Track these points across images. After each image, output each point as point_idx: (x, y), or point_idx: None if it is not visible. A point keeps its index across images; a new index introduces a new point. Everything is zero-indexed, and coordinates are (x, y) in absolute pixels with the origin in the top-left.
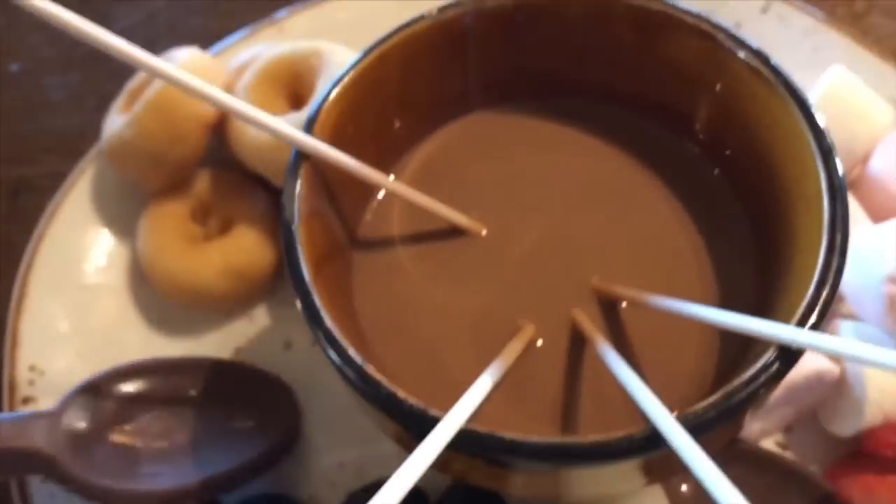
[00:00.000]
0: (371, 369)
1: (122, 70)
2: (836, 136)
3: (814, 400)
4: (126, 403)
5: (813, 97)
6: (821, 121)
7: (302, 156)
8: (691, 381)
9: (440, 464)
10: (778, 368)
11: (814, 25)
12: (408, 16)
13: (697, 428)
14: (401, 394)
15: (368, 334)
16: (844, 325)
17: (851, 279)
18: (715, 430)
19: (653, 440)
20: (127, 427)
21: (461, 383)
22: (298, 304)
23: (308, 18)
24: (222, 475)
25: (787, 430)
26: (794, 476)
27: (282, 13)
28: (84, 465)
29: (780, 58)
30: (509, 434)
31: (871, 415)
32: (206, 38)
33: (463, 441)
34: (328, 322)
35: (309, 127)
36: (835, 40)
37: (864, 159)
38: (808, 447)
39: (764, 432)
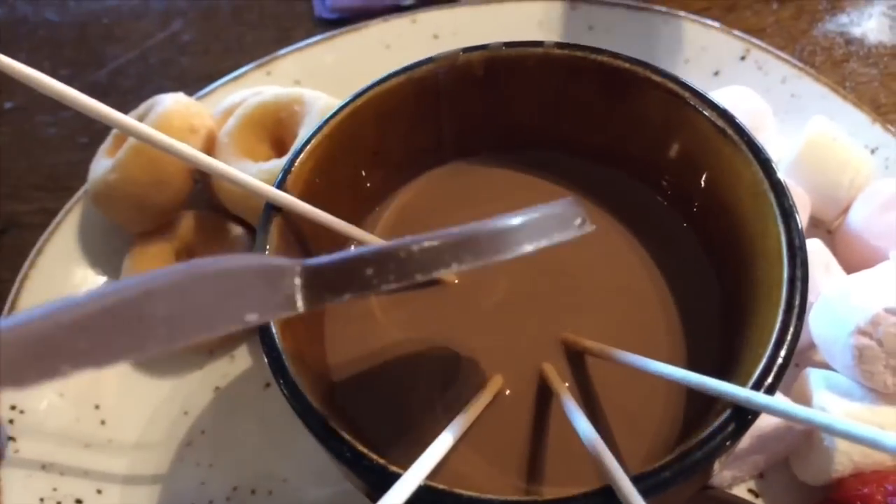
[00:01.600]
0: (334, 425)
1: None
2: (819, 186)
3: (784, 448)
4: None
5: (795, 147)
6: (783, 181)
7: (273, 209)
8: (657, 436)
9: None
10: (735, 427)
11: (791, 73)
12: (392, 60)
13: (654, 487)
14: (362, 450)
15: (337, 383)
16: (816, 375)
17: (822, 330)
18: (672, 488)
19: (609, 499)
20: None
21: (428, 434)
22: (264, 356)
23: (295, 61)
24: None
25: (760, 477)
26: None
27: (269, 56)
28: None
29: (758, 104)
30: (467, 492)
31: (841, 464)
32: (197, 78)
33: (422, 498)
34: (292, 374)
35: (281, 181)
36: (812, 88)
37: (847, 208)
38: (781, 494)
39: (736, 479)
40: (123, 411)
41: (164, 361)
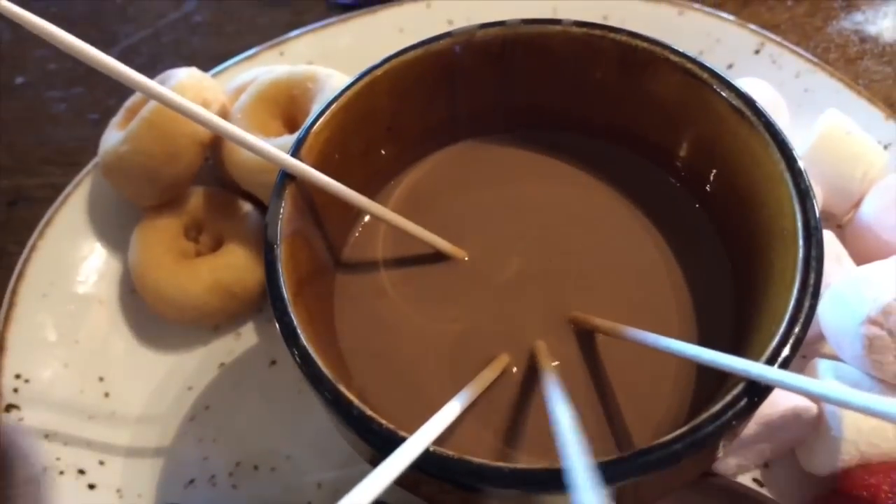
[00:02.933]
0: (343, 388)
1: (123, 86)
2: (831, 178)
3: (791, 437)
4: None
5: (808, 139)
6: (800, 163)
7: (287, 178)
8: (667, 414)
9: (411, 486)
10: (747, 403)
11: (805, 68)
12: (404, 43)
13: (665, 460)
14: (370, 413)
15: (347, 354)
16: (824, 365)
17: (831, 319)
18: (683, 460)
19: (614, 470)
20: None
21: (435, 407)
22: (276, 322)
23: (308, 43)
24: None
25: (766, 466)
26: None
27: (283, 37)
28: None
29: (773, 96)
30: (478, 459)
31: (848, 455)
32: (209, 58)
33: (432, 464)
34: (303, 339)
35: (296, 150)
36: (826, 83)
37: (858, 202)
38: (786, 484)
39: (741, 468)
40: (127, 384)
41: (169, 337)
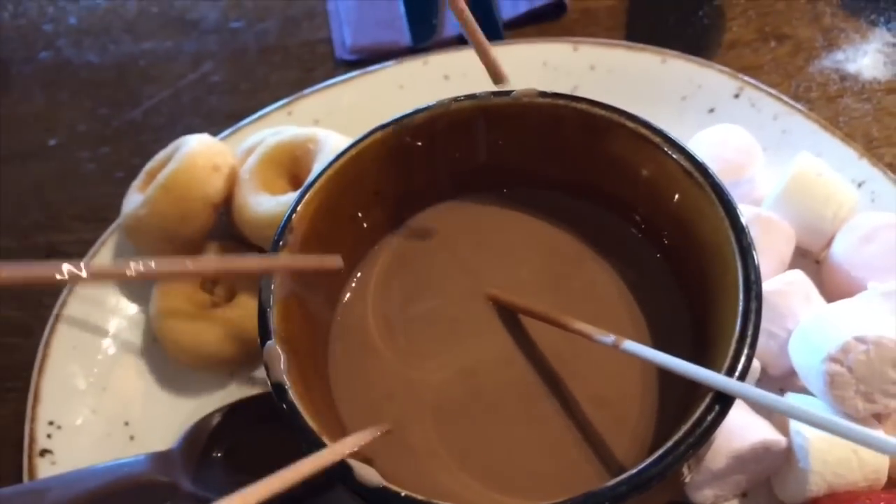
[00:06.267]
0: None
1: (146, 145)
2: (805, 218)
3: (764, 469)
4: (224, 435)
5: (781, 182)
6: (742, 220)
7: (280, 245)
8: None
9: None
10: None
11: (783, 110)
12: (405, 100)
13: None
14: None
15: (340, 405)
16: (794, 399)
17: (798, 357)
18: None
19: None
20: (227, 453)
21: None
22: (267, 380)
23: (314, 103)
24: (302, 489)
25: (744, 496)
26: None
27: (289, 98)
28: (199, 486)
29: (747, 140)
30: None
31: (816, 485)
32: (225, 116)
33: None
34: (291, 395)
35: (288, 219)
36: (802, 124)
37: (831, 240)
38: None
39: (718, 498)
40: (151, 427)
41: (188, 382)
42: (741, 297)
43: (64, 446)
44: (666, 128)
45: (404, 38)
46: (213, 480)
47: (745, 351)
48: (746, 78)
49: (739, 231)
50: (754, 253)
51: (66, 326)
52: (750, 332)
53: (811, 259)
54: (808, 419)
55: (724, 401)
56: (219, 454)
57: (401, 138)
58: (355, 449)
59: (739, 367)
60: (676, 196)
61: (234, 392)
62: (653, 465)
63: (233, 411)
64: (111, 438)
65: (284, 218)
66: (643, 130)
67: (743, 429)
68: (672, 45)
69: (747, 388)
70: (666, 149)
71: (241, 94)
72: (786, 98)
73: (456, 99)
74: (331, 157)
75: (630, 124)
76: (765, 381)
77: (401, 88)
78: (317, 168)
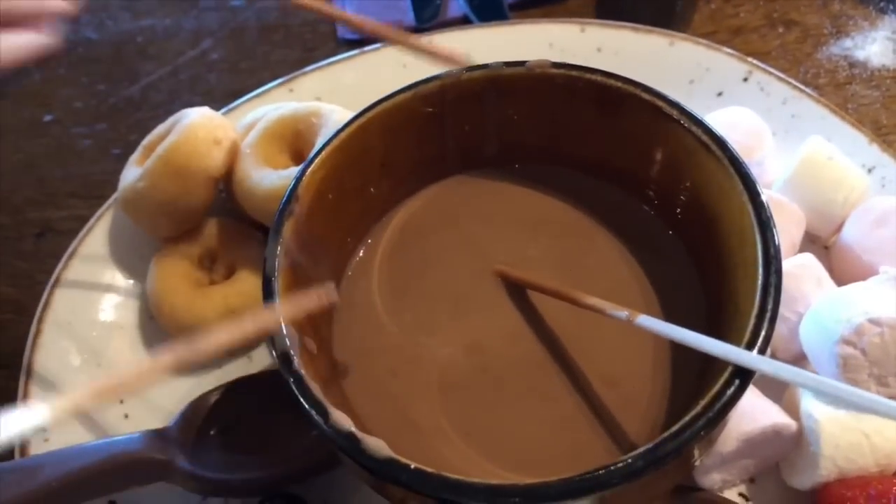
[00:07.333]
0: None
1: (144, 122)
2: (814, 203)
3: (773, 453)
4: (222, 414)
5: (791, 165)
6: (763, 195)
7: (285, 214)
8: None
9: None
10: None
11: (792, 94)
12: (408, 79)
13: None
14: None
15: (343, 378)
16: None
17: (810, 340)
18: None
19: (585, 484)
20: (223, 432)
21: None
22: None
23: (316, 79)
24: (299, 469)
25: (751, 481)
26: None
27: (292, 74)
28: (195, 465)
29: (756, 123)
30: (455, 476)
31: (826, 470)
32: (224, 94)
33: (413, 479)
34: (296, 365)
35: (293, 189)
36: (812, 108)
37: (841, 225)
38: (771, 499)
39: (726, 483)
40: (146, 406)
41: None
42: (760, 271)
43: (59, 425)
44: None
45: (408, 18)
46: (209, 459)
47: (766, 325)
48: (755, 61)
49: (759, 205)
50: (774, 227)
51: (61, 302)
52: (770, 307)
53: (820, 245)
54: (830, 390)
55: (743, 375)
56: (215, 433)
57: (409, 109)
58: (297, 311)
59: (759, 341)
60: (692, 170)
61: (231, 371)
62: (670, 440)
63: (230, 390)
64: (105, 416)
65: (290, 186)
66: (659, 103)
67: (754, 412)
68: (678, 30)
69: (768, 361)
70: (683, 122)
71: (241, 72)
72: (795, 82)
73: (468, 68)
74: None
75: (646, 96)
76: None
77: (404, 67)
78: (321, 139)
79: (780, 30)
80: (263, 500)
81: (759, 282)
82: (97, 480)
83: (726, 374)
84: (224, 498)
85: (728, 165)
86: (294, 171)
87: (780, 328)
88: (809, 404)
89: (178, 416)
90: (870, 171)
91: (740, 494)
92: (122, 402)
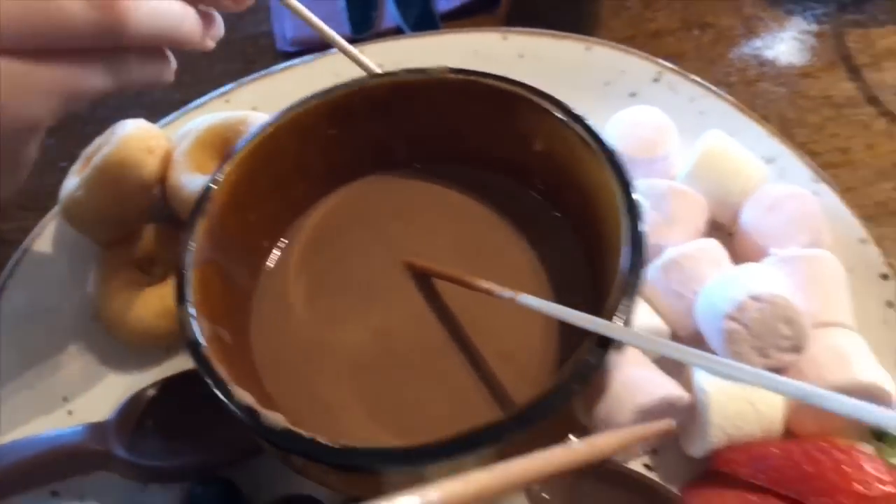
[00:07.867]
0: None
1: (91, 137)
2: (715, 192)
3: None
4: (159, 407)
5: (693, 158)
6: (629, 179)
7: (199, 213)
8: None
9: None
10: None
11: (699, 93)
12: None
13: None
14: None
15: (260, 366)
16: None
17: (703, 317)
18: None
19: (459, 444)
20: (160, 423)
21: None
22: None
23: (252, 91)
24: (229, 454)
25: (654, 453)
26: (655, 494)
27: (227, 87)
28: (133, 454)
29: (662, 120)
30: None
31: (716, 437)
32: (168, 106)
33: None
34: (204, 350)
35: (208, 189)
36: (717, 105)
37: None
38: (672, 468)
39: (629, 454)
40: (89, 402)
41: (126, 358)
42: (624, 251)
43: (2, 422)
44: (589, 111)
45: (344, 30)
46: (145, 448)
47: (626, 297)
48: (666, 63)
49: (626, 189)
50: (640, 213)
51: (6, 305)
52: (632, 286)
53: (725, 231)
54: (688, 357)
55: (605, 343)
56: (152, 424)
57: (319, 115)
58: None
59: (619, 310)
60: (574, 162)
61: (167, 368)
62: (536, 404)
63: (167, 386)
64: (50, 414)
65: (203, 188)
66: (546, 104)
67: (648, 385)
68: (600, 35)
69: (626, 330)
70: (561, 116)
71: (185, 85)
72: (702, 81)
73: (373, 75)
74: None
75: (534, 98)
76: None
77: (337, 77)
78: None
79: (696, 32)
80: (196, 483)
81: (622, 261)
82: (40, 471)
83: (589, 343)
84: (162, 485)
85: (599, 153)
86: None
87: (679, 306)
88: (700, 377)
89: (117, 410)
90: (771, 162)
91: (644, 465)
92: (65, 398)
